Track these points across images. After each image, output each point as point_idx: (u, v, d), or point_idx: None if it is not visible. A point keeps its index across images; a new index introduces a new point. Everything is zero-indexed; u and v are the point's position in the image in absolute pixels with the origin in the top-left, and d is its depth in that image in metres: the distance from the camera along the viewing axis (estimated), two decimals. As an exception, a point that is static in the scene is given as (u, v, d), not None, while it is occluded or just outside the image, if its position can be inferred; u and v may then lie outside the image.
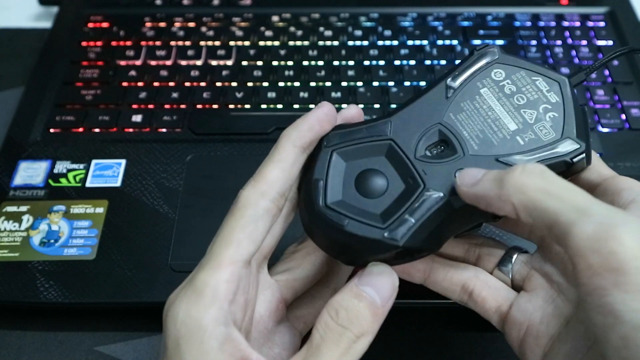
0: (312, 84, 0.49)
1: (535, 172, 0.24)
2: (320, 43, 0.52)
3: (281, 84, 0.49)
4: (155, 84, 0.49)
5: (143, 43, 0.52)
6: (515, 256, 0.30)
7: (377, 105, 0.47)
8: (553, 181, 0.23)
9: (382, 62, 0.51)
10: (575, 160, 0.28)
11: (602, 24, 0.54)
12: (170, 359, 0.24)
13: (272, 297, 0.29)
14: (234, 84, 0.49)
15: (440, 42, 0.52)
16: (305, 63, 0.50)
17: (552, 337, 0.27)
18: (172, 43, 0.52)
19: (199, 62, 0.51)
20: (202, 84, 0.49)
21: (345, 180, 0.28)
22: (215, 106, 0.47)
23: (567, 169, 0.28)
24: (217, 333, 0.24)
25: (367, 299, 0.25)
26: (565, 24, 0.54)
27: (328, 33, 0.53)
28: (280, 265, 0.31)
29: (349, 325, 0.24)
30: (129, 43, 0.52)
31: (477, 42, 0.52)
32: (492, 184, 0.25)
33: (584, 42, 0.52)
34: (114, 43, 0.52)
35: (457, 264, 0.31)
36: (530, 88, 0.29)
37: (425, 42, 0.52)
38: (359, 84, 0.49)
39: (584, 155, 0.28)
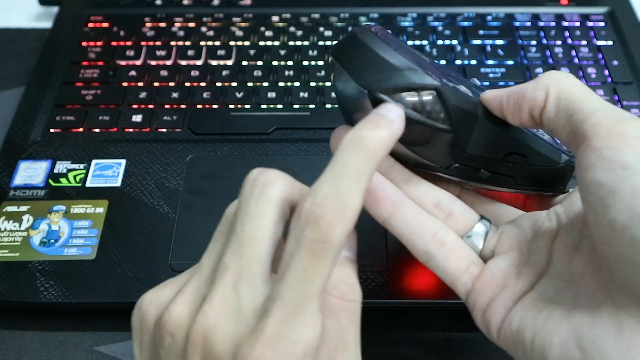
0: (312, 84, 0.49)
1: (568, 74, 0.27)
2: (320, 43, 0.52)
3: (281, 84, 0.49)
4: (155, 84, 0.49)
5: (143, 43, 0.52)
6: (488, 225, 0.29)
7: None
8: (582, 83, 0.27)
9: (382, 62, 0.50)
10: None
11: (602, 24, 0.54)
12: None
13: None
14: (234, 84, 0.49)
15: (440, 42, 0.52)
16: (305, 63, 0.50)
17: (522, 293, 0.27)
18: (172, 43, 0.52)
19: (199, 62, 0.51)
20: (202, 84, 0.49)
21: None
22: (215, 106, 0.47)
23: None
24: None
25: None
26: (565, 24, 0.54)
27: (328, 33, 0.53)
28: None
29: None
30: (129, 43, 0.52)
31: (477, 42, 0.52)
32: (525, 84, 0.27)
33: (584, 42, 0.52)
34: (114, 43, 0.52)
35: (427, 212, 0.29)
36: None
37: (425, 42, 0.52)
38: (359, 84, 0.49)
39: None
